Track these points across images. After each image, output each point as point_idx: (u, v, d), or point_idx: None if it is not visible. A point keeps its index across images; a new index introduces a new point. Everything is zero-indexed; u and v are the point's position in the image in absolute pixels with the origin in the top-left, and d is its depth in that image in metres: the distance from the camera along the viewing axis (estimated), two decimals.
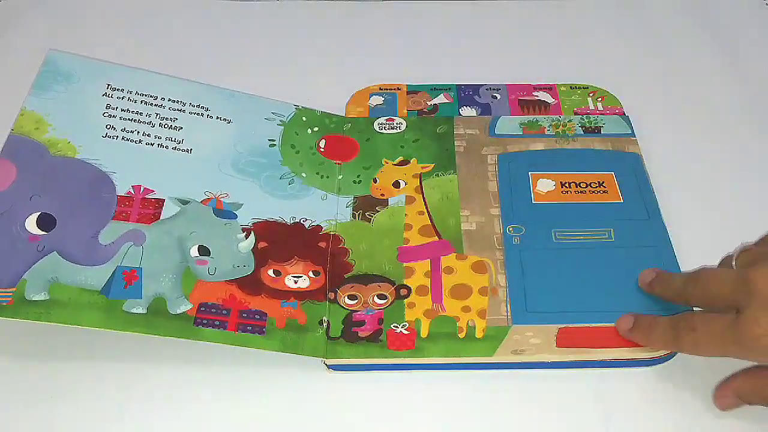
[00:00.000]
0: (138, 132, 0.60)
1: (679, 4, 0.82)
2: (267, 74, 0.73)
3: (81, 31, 0.77)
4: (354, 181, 0.62)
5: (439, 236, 0.58)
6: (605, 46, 0.78)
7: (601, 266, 0.55)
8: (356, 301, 0.54)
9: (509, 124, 0.67)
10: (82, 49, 0.65)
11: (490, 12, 0.82)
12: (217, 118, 0.63)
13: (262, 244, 0.56)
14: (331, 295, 0.54)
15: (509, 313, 0.53)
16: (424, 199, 0.60)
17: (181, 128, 0.62)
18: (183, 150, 0.60)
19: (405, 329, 0.52)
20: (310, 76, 0.73)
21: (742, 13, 0.81)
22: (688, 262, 0.54)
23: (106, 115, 0.60)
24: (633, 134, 0.65)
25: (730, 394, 0.49)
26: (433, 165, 0.63)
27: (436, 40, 0.78)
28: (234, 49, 0.77)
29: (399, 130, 0.66)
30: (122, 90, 0.62)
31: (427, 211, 0.59)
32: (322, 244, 0.57)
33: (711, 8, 0.81)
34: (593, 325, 0.52)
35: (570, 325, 0.52)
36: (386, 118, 0.67)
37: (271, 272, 0.54)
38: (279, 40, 0.78)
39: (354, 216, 0.59)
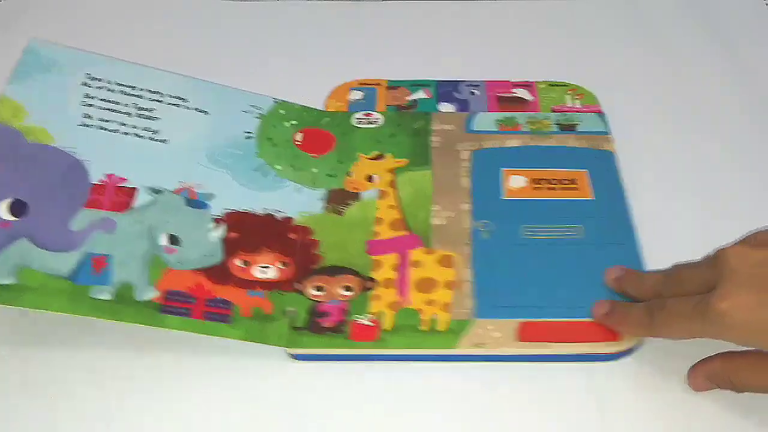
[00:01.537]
0: (115, 122, 0.61)
1: (678, 4, 0.82)
2: (254, 71, 0.74)
3: (82, 30, 0.78)
4: (328, 175, 0.63)
5: (409, 230, 0.58)
6: (602, 45, 0.78)
7: (566, 262, 0.56)
8: (322, 292, 0.54)
9: (486, 120, 0.67)
10: (97, 45, 0.66)
11: (482, 12, 0.82)
12: (195, 109, 0.64)
13: (232, 235, 0.56)
14: (298, 286, 0.55)
15: (473, 307, 0.53)
16: (396, 193, 0.61)
17: (158, 119, 0.62)
18: (159, 140, 0.61)
19: (369, 321, 0.53)
20: (297, 73, 0.74)
21: (742, 13, 0.81)
22: (656, 261, 0.55)
23: (84, 104, 0.61)
24: (608, 132, 0.65)
25: (701, 375, 0.49)
26: (407, 160, 0.63)
27: (424, 39, 0.79)
28: (221, 47, 0.77)
29: (376, 125, 0.66)
30: (101, 80, 0.63)
31: (399, 205, 0.60)
32: (293, 236, 0.57)
33: (711, 8, 0.81)
34: (555, 320, 0.52)
35: (532, 320, 0.52)
36: (364, 113, 0.68)
37: (239, 262, 0.55)
38: (265, 38, 0.79)
39: (326, 209, 0.60)
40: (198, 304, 0.52)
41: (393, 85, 0.72)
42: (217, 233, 0.56)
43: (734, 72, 0.75)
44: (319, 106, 0.69)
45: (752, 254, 0.45)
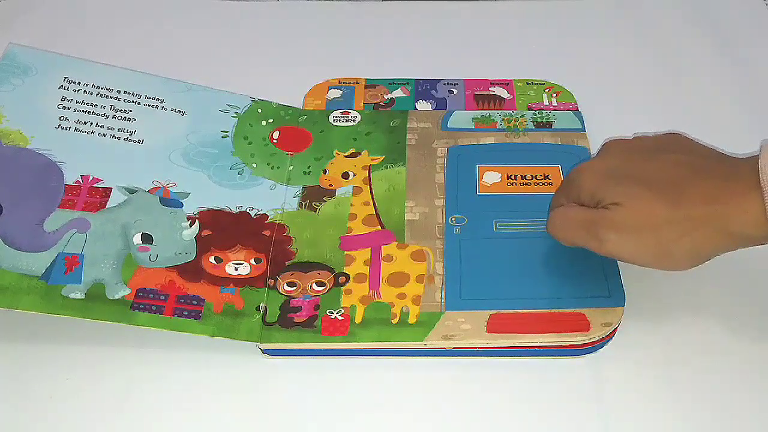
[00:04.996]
0: (91, 123, 0.62)
1: (677, 4, 0.82)
2: (234, 70, 0.75)
3: (80, 31, 0.78)
4: (304, 172, 0.63)
5: (382, 226, 0.59)
6: (598, 45, 0.78)
7: (537, 255, 0.56)
8: (295, 288, 0.55)
9: (462, 118, 0.67)
10: (78, 50, 0.67)
11: (467, 11, 0.83)
12: (172, 110, 0.65)
13: (206, 232, 0.57)
14: (271, 282, 0.55)
15: (443, 300, 0.54)
16: (371, 189, 0.61)
17: (135, 120, 0.63)
18: (135, 141, 0.62)
19: (340, 315, 0.53)
20: (277, 71, 0.75)
21: (742, 13, 0.81)
22: None
23: (60, 107, 0.62)
24: (583, 129, 0.66)
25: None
26: (383, 157, 0.64)
27: (407, 38, 0.79)
28: (200, 47, 0.78)
29: (353, 123, 0.67)
30: (78, 83, 0.64)
31: (373, 202, 0.60)
32: (267, 233, 0.58)
33: (710, 8, 0.81)
34: (524, 310, 0.53)
35: (501, 311, 0.52)
36: (342, 111, 0.68)
37: (212, 259, 0.56)
38: (245, 37, 0.80)
39: (301, 206, 0.60)
40: (169, 301, 0.53)
41: (371, 84, 0.72)
42: (191, 231, 0.56)
43: (733, 72, 0.75)
44: (298, 105, 0.69)
45: (625, 140, 0.54)
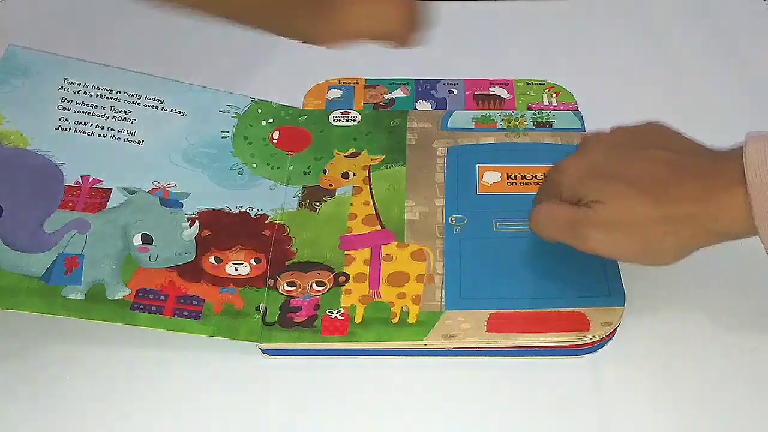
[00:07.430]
0: (91, 124, 0.62)
1: (677, 4, 0.82)
2: (234, 70, 0.74)
3: (80, 31, 0.78)
4: (304, 172, 0.63)
5: (383, 226, 0.59)
6: (598, 45, 0.78)
7: (537, 254, 0.56)
8: (295, 287, 0.55)
9: (462, 118, 0.67)
10: (78, 50, 0.67)
11: (480, 11, 0.82)
12: (172, 110, 0.65)
13: (205, 233, 0.57)
14: (271, 282, 0.55)
15: (443, 299, 0.54)
16: (371, 189, 0.61)
17: (135, 120, 0.63)
18: (135, 142, 0.62)
19: (340, 315, 0.53)
20: (277, 72, 0.75)
21: (742, 13, 0.81)
22: None
23: (60, 108, 0.62)
24: (583, 129, 0.66)
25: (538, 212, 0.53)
26: (383, 157, 0.64)
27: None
28: (202, 47, 0.78)
29: (353, 123, 0.67)
30: (79, 84, 0.64)
31: (373, 202, 0.60)
32: (267, 233, 0.58)
33: (711, 8, 0.81)
34: (524, 310, 0.53)
35: (501, 311, 0.52)
36: (342, 111, 0.68)
37: (212, 259, 0.56)
38: (245, 37, 0.78)
39: (301, 206, 0.60)
40: (169, 301, 0.53)
41: (371, 84, 0.72)
42: (191, 231, 0.56)
43: (733, 72, 0.75)
44: (298, 105, 0.69)
45: (604, 134, 0.54)
